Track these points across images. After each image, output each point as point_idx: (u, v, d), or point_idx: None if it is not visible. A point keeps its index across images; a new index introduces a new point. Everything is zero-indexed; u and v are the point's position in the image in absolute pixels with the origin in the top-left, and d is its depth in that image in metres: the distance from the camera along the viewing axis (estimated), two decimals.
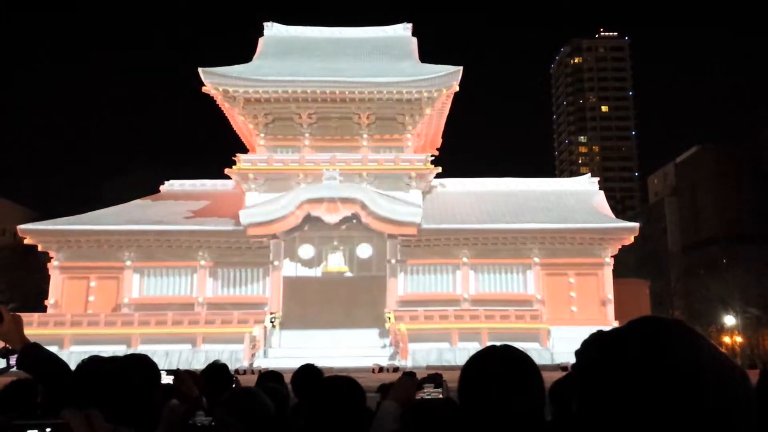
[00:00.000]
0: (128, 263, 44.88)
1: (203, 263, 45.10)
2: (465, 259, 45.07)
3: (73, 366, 3.67)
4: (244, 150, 49.71)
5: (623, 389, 1.25)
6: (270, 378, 6.97)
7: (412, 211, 43.00)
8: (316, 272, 45.20)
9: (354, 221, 42.87)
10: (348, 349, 38.61)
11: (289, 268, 45.11)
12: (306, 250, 44.99)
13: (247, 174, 45.31)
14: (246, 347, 39.63)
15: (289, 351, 38.61)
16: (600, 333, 1.41)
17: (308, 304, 43.04)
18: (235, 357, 38.20)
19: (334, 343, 39.50)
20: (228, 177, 46.14)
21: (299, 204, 42.24)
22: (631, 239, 45.76)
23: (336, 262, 44.88)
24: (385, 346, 41.06)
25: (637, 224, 46.82)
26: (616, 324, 38.26)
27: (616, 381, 1.27)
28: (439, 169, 45.99)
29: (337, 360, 33.52)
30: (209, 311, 43.04)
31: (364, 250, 44.89)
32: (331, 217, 42.41)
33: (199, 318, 42.10)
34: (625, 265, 55.73)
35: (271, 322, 41.70)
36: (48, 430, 2.27)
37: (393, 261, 44.78)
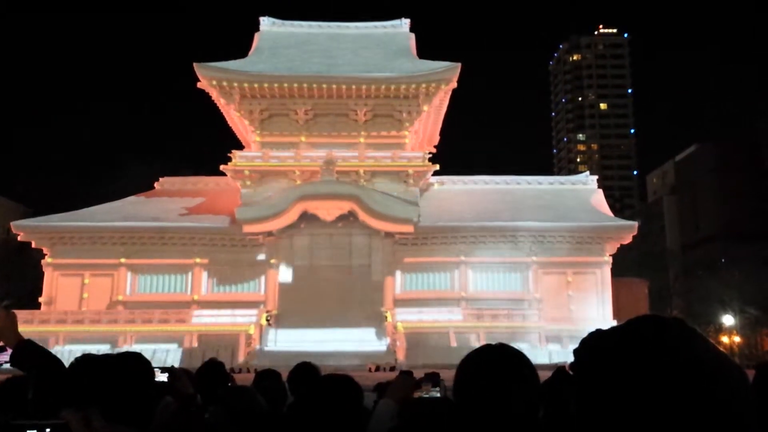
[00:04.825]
0: (123, 260, 44.60)
1: (198, 260, 44.83)
2: (462, 258, 44.80)
3: (66, 364, 3.61)
4: (240, 147, 49.41)
5: (623, 388, 1.24)
6: (267, 376, 6.99)
7: (409, 209, 42.76)
8: (313, 270, 44.90)
9: (350, 219, 42.60)
10: (344, 346, 38.39)
11: (285, 266, 44.80)
12: (302, 248, 44.70)
13: (243, 171, 45.03)
14: (242, 345, 39.42)
15: (285, 348, 38.38)
16: (598, 332, 1.39)
17: (304, 302, 42.77)
18: (231, 355, 38.00)
19: (329, 341, 39.26)
20: (223, 174, 45.86)
21: (295, 201, 41.96)
22: (630, 238, 45.58)
23: (332, 260, 44.60)
24: (381, 344, 40.86)
25: (635, 223, 46.70)
26: (614, 323, 38.06)
27: (616, 380, 1.26)
28: (437, 167, 45.74)
29: (333, 359, 33.28)
30: (205, 309, 42.79)
31: (361, 248, 44.60)
32: (328, 215, 42.12)
33: (194, 316, 41.86)
34: (624, 264, 55.45)
35: (267, 320, 41.50)
36: (47, 430, 2.32)
37: (390, 259, 44.51)
